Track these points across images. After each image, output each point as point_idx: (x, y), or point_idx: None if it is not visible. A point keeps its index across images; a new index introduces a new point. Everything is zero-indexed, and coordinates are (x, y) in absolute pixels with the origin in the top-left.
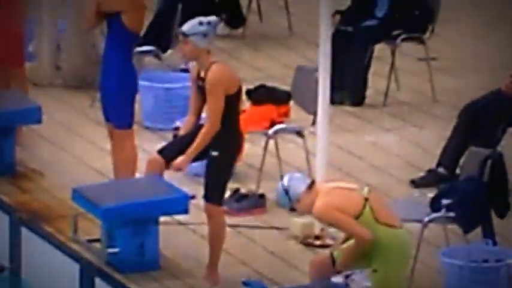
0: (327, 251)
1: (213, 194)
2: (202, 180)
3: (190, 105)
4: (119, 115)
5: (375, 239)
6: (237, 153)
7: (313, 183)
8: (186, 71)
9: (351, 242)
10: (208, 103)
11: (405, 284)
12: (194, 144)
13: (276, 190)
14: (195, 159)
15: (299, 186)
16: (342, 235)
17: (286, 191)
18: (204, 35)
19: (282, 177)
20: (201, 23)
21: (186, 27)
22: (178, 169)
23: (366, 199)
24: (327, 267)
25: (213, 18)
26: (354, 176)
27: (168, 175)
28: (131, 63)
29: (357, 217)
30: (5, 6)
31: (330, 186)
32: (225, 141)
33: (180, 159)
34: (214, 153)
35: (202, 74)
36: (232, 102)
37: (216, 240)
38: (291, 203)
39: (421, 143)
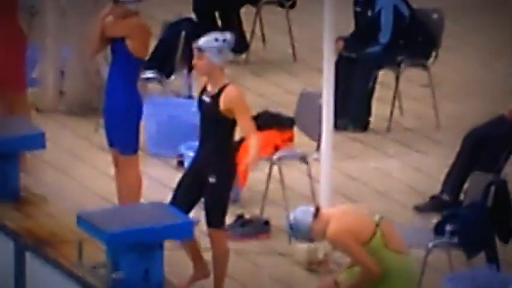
0: (331, 277)
1: (215, 219)
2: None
3: None
4: (124, 140)
5: (382, 266)
6: (234, 177)
7: (318, 210)
8: (189, 97)
9: (356, 270)
10: (241, 117)
11: None
12: (252, 152)
13: (286, 230)
14: (194, 189)
15: (305, 218)
16: (345, 261)
17: (296, 228)
18: (219, 51)
19: (287, 217)
20: (216, 39)
21: (201, 42)
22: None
23: (377, 224)
24: None
25: (228, 35)
26: (358, 202)
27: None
28: (136, 88)
29: (367, 241)
30: (4, 33)
31: (343, 209)
32: (222, 166)
33: (249, 163)
34: (212, 180)
35: (209, 88)
36: (231, 126)
37: (220, 264)
38: (305, 237)
39: (425, 168)
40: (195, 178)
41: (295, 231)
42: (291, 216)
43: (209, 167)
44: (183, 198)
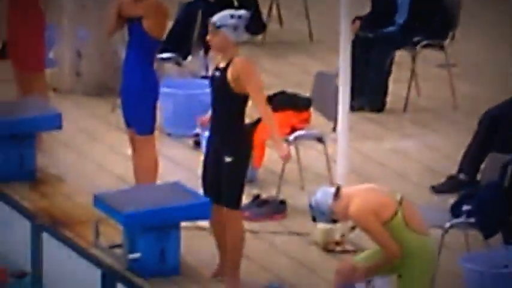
0: (350, 258)
1: (232, 199)
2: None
3: None
4: (141, 121)
5: (403, 245)
6: (250, 156)
7: (338, 190)
8: (206, 77)
9: (372, 251)
10: (252, 87)
11: None
12: (273, 129)
13: (309, 213)
14: (219, 173)
15: (326, 199)
16: (362, 242)
17: (317, 209)
18: (235, 28)
19: (310, 206)
20: (232, 16)
21: (217, 18)
22: (288, 158)
23: (400, 203)
24: (352, 275)
25: (243, 12)
26: (375, 182)
27: (188, 180)
28: (152, 68)
29: (389, 220)
30: (25, 13)
31: (364, 188)
32: (238, 145)
33: (284, 149)
34: (229, 159)
35: (221, 65)
36: (243, 102)
37: (236, 245)
38: (328, 218)
39: (442, 149)
40: (215, 161)
41: (317, 213)
42: (312, 199)
43: (225, 146)
44: (212, 186)
